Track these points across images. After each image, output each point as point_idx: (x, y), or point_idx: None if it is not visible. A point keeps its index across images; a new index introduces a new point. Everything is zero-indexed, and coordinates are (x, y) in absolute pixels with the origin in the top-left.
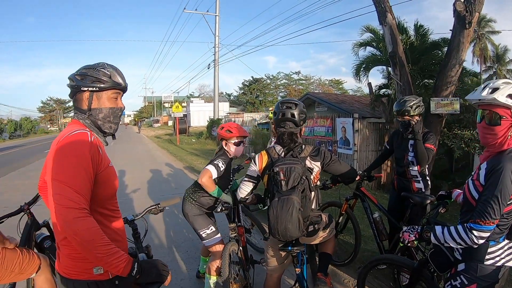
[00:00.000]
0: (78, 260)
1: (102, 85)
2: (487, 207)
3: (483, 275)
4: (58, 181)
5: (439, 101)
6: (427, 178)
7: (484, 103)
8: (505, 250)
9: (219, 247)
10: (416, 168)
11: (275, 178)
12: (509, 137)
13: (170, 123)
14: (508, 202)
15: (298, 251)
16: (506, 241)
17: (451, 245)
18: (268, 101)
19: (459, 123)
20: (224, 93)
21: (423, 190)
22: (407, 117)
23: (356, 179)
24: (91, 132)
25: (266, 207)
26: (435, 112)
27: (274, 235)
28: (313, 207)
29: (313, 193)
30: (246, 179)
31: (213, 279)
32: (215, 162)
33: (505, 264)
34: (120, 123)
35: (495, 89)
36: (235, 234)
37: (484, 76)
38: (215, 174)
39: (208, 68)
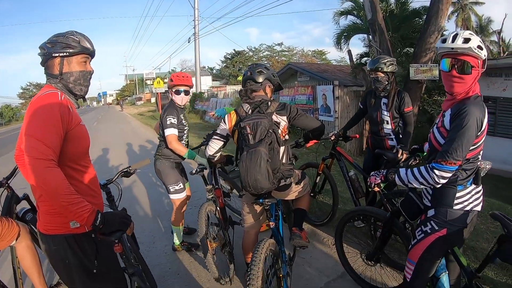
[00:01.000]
0: (55, 215)
1: (71, 50)
2: (450, 148)
3: (452, 219)
4: (29, 136)
5: (418, 67)
6: (400, 135)
7: (453, 53)
8: (473, 195)
9: (182, 201)
10: (389, 126)
11: (242, 133)
12: (474, 86)
13: (153, 99)
14: (472, 147)
15: (270, 203)
16: (473, 185)
17: (414, 185)
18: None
19: (439, 89)
20: (206, 67)
21: (396, 146)
22: (380, 73)
23: (332, 138)
24: (61, 92)
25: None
26: (414, 78)
27: (246, 188)
28: (284, 161)
29: (282, 147)
30: (215, 137)
31: (177, 228)
32: (167, 123)
33: (473, 209)
34: (103, 103)
35: (467, 39)
36: (212, 196)
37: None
38: (176, 132)
39: (189, 42)
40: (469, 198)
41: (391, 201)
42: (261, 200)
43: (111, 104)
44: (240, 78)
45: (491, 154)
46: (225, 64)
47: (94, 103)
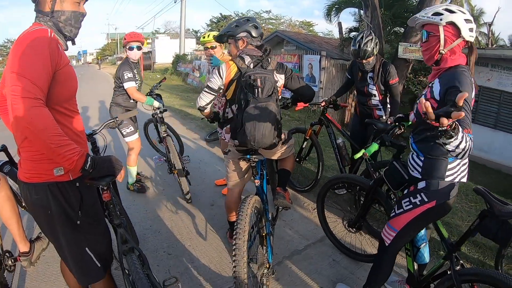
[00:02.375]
0: (38, 161)
1: None
2: (466, 118)
3: (443, 191)
4: (14, 73)
5: (407, 46)
6: (388, 106)
7: (432, 22)
8: (461, 166)
9: (135, 143)
10: (377, 98)
11: (251, 85)
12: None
13: None
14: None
15: (257, 160)
16: (460, 159)
17: (457, 151)
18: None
19: (425, 71)
20: (191, 30)
21: (384, 117)
22: (369, 59)
23: (322, 104)
24: (51, 30)
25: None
26: (402, 56)
27: (246, 142)
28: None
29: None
30: (206, 90)
31: (131, 168)
32: (125, 77)
33: (461, 180)
34: (82, 62)
35: (451, 11)
36: None
37: None
38: (134, 84)
39: (175, 2)
40: (458, 170)
41: (377, 171)
42: (248, 156)
43: (91, 63)
44: (205, 39)
45: None
46: (210, 28)
47: (74, 62)
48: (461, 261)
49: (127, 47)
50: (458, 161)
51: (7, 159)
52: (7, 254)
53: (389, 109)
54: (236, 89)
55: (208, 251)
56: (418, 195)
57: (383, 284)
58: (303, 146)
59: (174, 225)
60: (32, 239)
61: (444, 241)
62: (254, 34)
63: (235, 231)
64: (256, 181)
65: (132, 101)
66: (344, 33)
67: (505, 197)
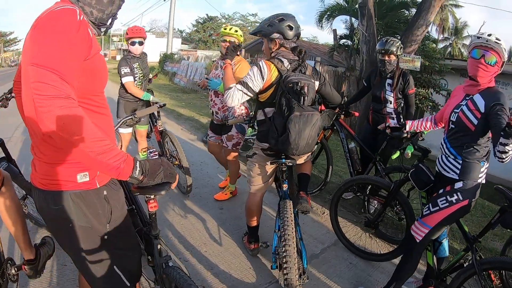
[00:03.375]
0: (59, 165)
1: None
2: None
3: (474, 191)
4: (37, 66)
5: (401, 56)
6: (400, 115)
7: (485, 45)
8: (486, 169)
9: (127, 136)
10: (392, 105)
11: (298, 92)
12: (493, 79)
13: (119, 57)
14: None
15: (290, 164)
16: (487, 162)
17: (510, 152)
18: (221, 41)
19: (417, 81)
20: (177, 29)
21: (397, 124)
22: (393, 56)
23: (335, 110)
24: (80, 10)
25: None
26: None
27: (287, 150)
28: None
29: None
30: (242, 89)
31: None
32: (122, 73)
33: (482, 182)
34: None
35: (498, 39)
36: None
37: (440, 46)
38: (131, 79)
39: (165, 0)
40: (484, 173)
41: (388, 175)
42: (283, 160)
43: None
44: (225, 31)
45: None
46: (196, 28)
47: None
48: (480, 253)
49: (130, 42)
50: (486, 165)
51: (3, 155)
52: (9, 262)
53: (401, 118)
54: (273, 93)
55: (226, 257)
56: (455, 194)
57: (407, 279)
58: (313, 150)
59: (185, 230)
60: (37, 244)
61: (465, 235)
62: (288, 36)
63: (283, 238)
64: (284, 185)
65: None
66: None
67: (493, 201)
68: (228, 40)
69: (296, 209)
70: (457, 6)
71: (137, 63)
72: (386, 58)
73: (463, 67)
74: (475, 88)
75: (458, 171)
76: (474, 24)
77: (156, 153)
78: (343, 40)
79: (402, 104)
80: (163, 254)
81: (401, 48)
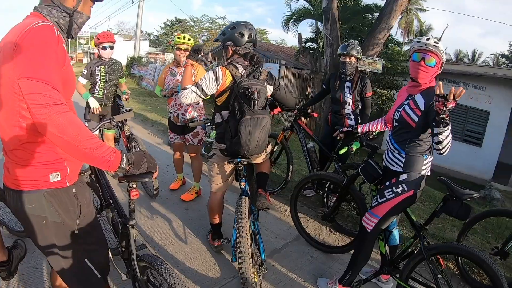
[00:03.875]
0: (33, 167)
1: None
2: None
3: (418, 182)
4: (30, 79)
5: (364, 59)
6: (358, 116)
7: (424, 48)
8: (429, 162)
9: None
10: (350, 107)
11: (248, 97)
12: (433, 79)
13: (86, 60)
14: None
15: (246, 163)
16: (430, 156)
17: (444, 142)
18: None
19: (379, 82)
20: (145, 32)
21: (354, 125)
22: (353, 58)
23: (294, 112)
24: (56, 27)
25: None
26: (359, 68)
27: (240, 151)
28: None
29: None
30: (198, 91)
31: None
32: (81, 73)
33: (427, 174)
34: None
35: (436, 42)
36: None
37: (405, 48)
38: (82, 80)
39: (133, 3)
40: (427, 165)
41: (345, 172)
42: (238, 159)
43: None
44: (178, 40)
45: None
46: (164, 31)
47: None
48: (428, 239)
49: (100, 46)
50: (430, 158)
51: None
52: None
53: (358, 119)
54: (228, 97)
55: (191, 254)
56: (400, 186)
57: (361, 268)
58: (274, 150)
59: (152, 231)
60: (9, 247)
61: (413, 223)
62: (239, 43)
63: (237, 231)
64: (242, 183)
65: (95, 95)
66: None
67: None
68: (182, 48)
69: (256, 206)
70: (422, 10)
71: (103, 67)
72: (347, 59)
73: None
74: (416, 88)
75: (402, 164)
76: (438, 27)
77: None
78: (309, 43)
79: (359, 106)
80: (138, 243)
81: (360, 52)
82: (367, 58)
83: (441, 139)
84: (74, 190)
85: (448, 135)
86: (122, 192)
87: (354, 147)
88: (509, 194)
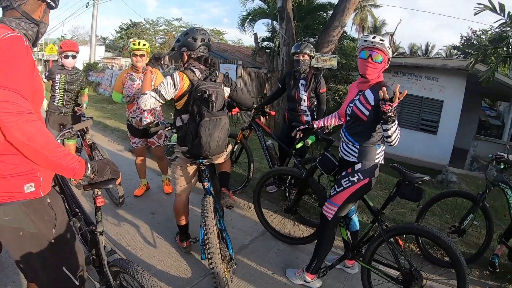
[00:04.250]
0: (7, 179)
1: (55, 4)
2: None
3: (372, 170)
4: (0, 88)
5: (319, 56)
6: (314, 112)
7: (371, 46)
8: (382, 151)
9: None
10: (305, 104)
11: (206, 100)
12: (381, 74)
13: (40, 68)
14: None
15: (208, 163)
16: (382, 145)
17: (393, 136)
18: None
19: (335, 78)
20: (100, 36)
21: (310, 121)
22: (306, 55)
23: (252, 111)
24: (23, 36)
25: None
26: (314, 65)
27: (202, 152)
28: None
29: None
30: (155, 96)
31: None
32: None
33: (380, 162)
34: None
35: (382, 40)
36: None
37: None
38: (45, 80)
39: (87, 7)
40: (380, 155)
41: (304, 166)
42: (200, 160)
43: None
44: (134, 46)
45: None
46: (119, 35)
47: None
48: (386, 222)
49: (63, 55)
50: (381, 148)
51: None
52: None
53: (315, 115)
54: (187, 100)
55: (161, 257)
56: (355, 175)
57: (326, 255)
58: (234, 150)
59: (121, 238)
60: None
61: (370, 209)
62: (192, 47)
63: (204, 228)
64: (205, 183)
65: (55, 103)
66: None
67: None
68: (138, 54)
69: (220, 205)
70: (375, 6)
71: (63, 75)
72: (301, 57)
73: None
74: (366, 84)
75: (356, 155)
76: (392, 22)
77: None
78: (265, 43)
79: (315, 102)
80: (108, 249)
81: (313, 50)
82: (322, 55)
83: (389, 134)
84: (48, 200)
85: (395, 130)
86: (88, 202)
87: (310, 141)
88: (465, 177)
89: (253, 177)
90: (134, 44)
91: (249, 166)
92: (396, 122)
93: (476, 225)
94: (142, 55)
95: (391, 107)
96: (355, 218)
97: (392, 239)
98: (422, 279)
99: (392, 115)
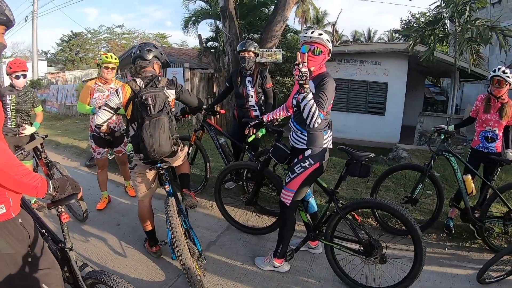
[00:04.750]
0: None
1: (11, 23)
2: (322, 102)
3: (322, 154)
4: None
5: (264, 52)
6: (262, 107)
7: (310, 41)
8: (329, 137)
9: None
10: (253, 99)
11: (143, 104)
12: (322, 66)
13: None
14: (330, 102)
15: (166, 167)
16: (329, 130)
17: (305, 112)
18: (89, 57)
19: (281, 71)
20: (41, 51)
21: (259, 116)
22: (251, 52)
23: (202, 112)
24: None
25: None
26: (260, 61)
27: (148, 155)
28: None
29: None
30: (105, 108)
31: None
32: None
33: (329, 146)
34: None
35: (321, 34)
36: None
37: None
38: None
39: (26, 22)
40: (328, 139)
41: (258, 158)
42: (158, 164)
43: None
44: (108, 59)
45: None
46: (61, 48)
47: None
48: (341, 201)
49: (13, 76)
50: (329, 133)
51: None
52: None
53: (263, 109)
54: (132, 109)
55: (133, 266)
56: (306, 160)
57: (290, 239)
58: (189, 152)
59: (90, 253)
60: None
61: (325, 189)
62: (139, 60)
63: (170, 228)
64: (166, 186)
65: (8, 125)
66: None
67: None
68: (110, 67)
69: (183, 205)
70: None
71: (14, 96)
72: (246, 55)
73: None
74: (310, 76)
75: (305, 142)
76: (334, 12)
77: None
78: (210, 43)
79: (262, 97)
80: (79, 263)
81: (258, 48)
82: (266, 51)
83: (302, 106)
84: (20, 220)
85: (306, 105)
86: (51, 222)
87: (260, 134)
88: (415, 151)
89: (211, 176)
90: (106, 57)
91: (206, 166)
92: (308, 99)
93: (429, 193)
94: (113, 68)
95: (300, 71)
96: (312, 201)
97: (349, 216)
98: (381, 247)
99: (303, 83)
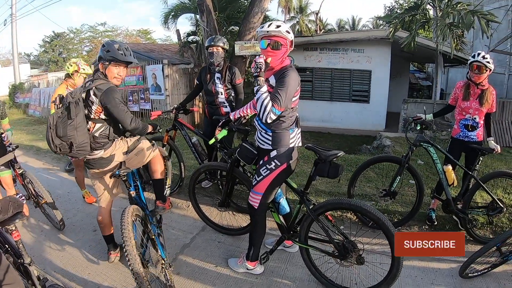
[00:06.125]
0: None
1: None
2: (277, 97)
3: (289, 154)
4: None
5: (242, 44)
6: (233, 103)
7: (268, 35)
8: (297, 135)
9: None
10: (223, 96)
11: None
12: (285, 59)
13: None
14: (294, 99)
15: (126, 173)
16: (297, 128)
17: (257, 105)
18: (72, 57)
19: None
20: (23, 53)
21: (230, 112)
22: (219, 48)
23: (172, 112)
24: None
25: None
26: (239, 54)
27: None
28: (96, 135)
29: (98, 124)
30: None
31: None
32: None
33: (298, 145)
34: None
35: (278, 26)
36: None
37: (288, 25)
38: None
39: (5, 25)
40: (295, 138)
41: (230, 157)
42: (117, 172)
43: None
44: (74, 68)
45: (310, 115)
46: (44, 49)
47: None
48: (313, 202)
49: None
50: (295, 131)
51: None
52: None
53: (233, 105)
54: None
55: (108, 273)
56: (272, 162)
57: (261, 242)
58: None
59: (66, 261)
60: None
61: (295, 190)
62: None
63: (122, 240)
64: (131, 192)
65: None
66: (182, 38)
67: (350, 153)
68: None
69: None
70: None
71: None
72: (215, 50)
73: (305, 42)
74: (270, 71)
75: (270, 142)
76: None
77: (23, 197)
78: (191, 37)
79: (232, 94)
80: (41, 277)
81: (227, 44)
82: (245, 43)
83: (255, 98)
84: None
85: (259, 98)
86: (28, 232)
87: (219, 137)
88: (399, 139)
89: (187, 176)
90: (83, 69)
91: (180, 165)
92: (262, 91)
93: (413, 183)
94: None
95: (255, 63)
96: (284, 202)
97: (322, 216)
98: (357, 249)
99: (258, 75)
